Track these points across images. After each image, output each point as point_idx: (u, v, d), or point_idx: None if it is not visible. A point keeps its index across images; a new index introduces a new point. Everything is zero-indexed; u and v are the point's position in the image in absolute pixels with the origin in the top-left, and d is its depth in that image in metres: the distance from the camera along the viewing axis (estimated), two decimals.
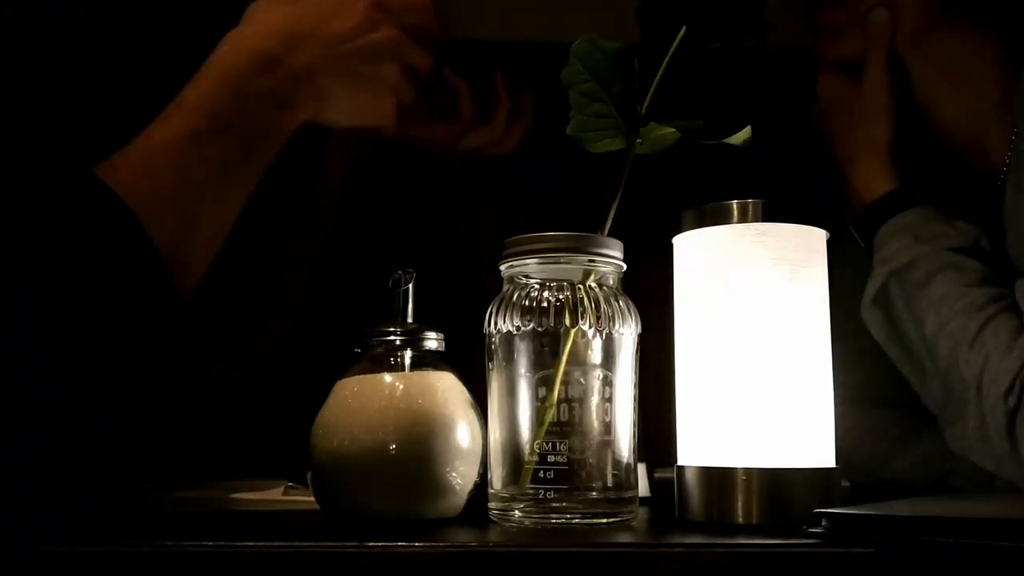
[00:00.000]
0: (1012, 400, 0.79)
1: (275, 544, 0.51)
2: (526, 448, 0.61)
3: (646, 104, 0.64)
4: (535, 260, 0.62)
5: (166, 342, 0.63)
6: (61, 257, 0.59)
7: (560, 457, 0.60)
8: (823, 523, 0.53)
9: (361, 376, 0.65)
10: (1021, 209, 0.89)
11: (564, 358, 0.60)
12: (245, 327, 0.91)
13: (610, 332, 0.61)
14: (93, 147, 0.67)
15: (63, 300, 0.58)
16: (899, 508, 0.55)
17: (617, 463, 0.61)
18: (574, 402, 0.60)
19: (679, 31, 0.63)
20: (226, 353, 0.88)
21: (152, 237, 0.63)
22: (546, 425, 0.60)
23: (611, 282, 0.64)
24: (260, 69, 0.71)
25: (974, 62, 0.95)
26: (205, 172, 0.68)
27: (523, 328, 0.61)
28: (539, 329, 0.61)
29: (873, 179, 0.94)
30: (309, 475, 0.64)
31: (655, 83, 0.63)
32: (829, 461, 0.62)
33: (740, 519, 0.59)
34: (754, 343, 0.61)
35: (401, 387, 0.64)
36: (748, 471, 0.59)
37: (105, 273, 0.61)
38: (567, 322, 0.61)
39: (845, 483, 0.69)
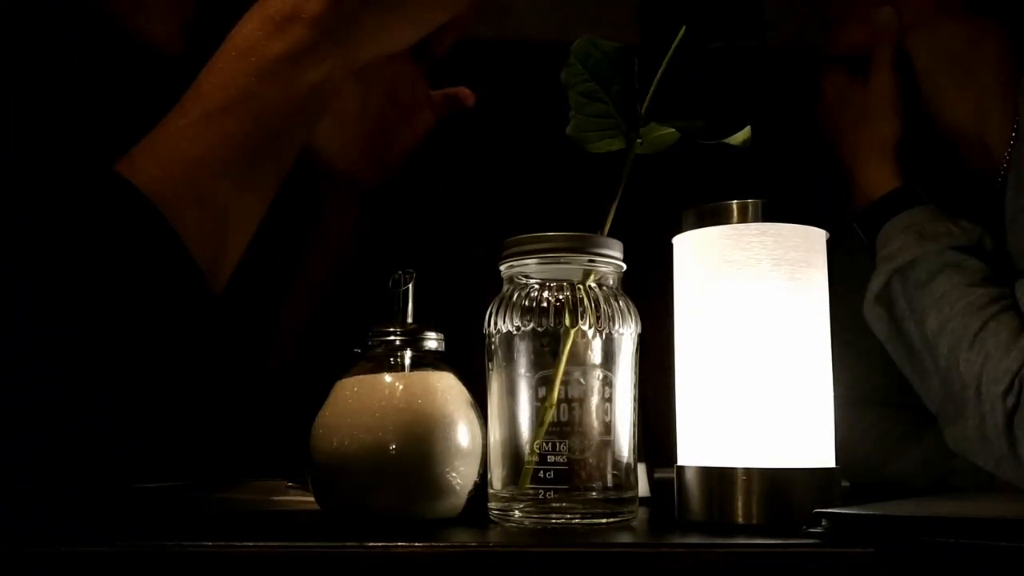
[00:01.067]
0: (1011, 400, 0.79)
1: (275, 544, 0.51)
2: (526, 448, 0.61)
3: (646, 104, 0.64)
4: (535, 260, 0.62)
5: (198, 335, 0.61)
6: (79, 255, 0.58)
7: (560, 457, 0.60)
8: (823, 523, 0.53)
9: (361, 376, 0.65)
10: (1021, 209, 0.89)
11: (564, 358, 0.60)
12: (257, 335, 0.91)
13: (610, 332, 0.61)
14: (112, 142, 0.66)
15: (76, 300, 0.58)
16: (899, 508, 0.56)
17: (617, 463, 0.61)
18: (574, 402, 0.60)
19: (679, 31, 0.63)
20: (236, 358, 0.87)
21: (177, 228, 0.60)
22: (546, 425, 0.60)
23: (611, 282, 0.64)
24: (272, 29, 0.66)
25: (977, 56, 0.94)
26: (225, 152, 0.63)
27: (523, 328, 0.61)
28: (539, 329, 0.61)
29: (877, 176, 0.94)
30: (309, 475, 0.64)
31: (655, 83, 0.63)
32: (829, 461, 0.62)
33: (740, 519, 0.59)
34: (754, 343, 0.61)
35: (401, 387, 0.64)
36: (748, 471, 0.59)
37: (129, 270, 0.58)
38: (567, 322, 0.61)
39: (845, 483, 0.69)
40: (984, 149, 0.96)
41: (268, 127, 0.65)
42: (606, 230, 0.63)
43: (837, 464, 0.62)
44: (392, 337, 0.66)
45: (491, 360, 0.63)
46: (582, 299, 0.61)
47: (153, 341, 0.60)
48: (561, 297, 0.61)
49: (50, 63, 0.80)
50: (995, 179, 0.95)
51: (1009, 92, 0.92)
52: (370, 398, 0.63)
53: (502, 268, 0.64)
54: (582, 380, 0.61)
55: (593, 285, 0.62)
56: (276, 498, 0.74)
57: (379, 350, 0.66)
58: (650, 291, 0.68)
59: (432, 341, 0.67)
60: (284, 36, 0.66)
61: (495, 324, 0.62)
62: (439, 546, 0.51)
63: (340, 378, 0.66)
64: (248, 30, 0.66)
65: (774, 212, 0.62)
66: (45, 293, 0.57)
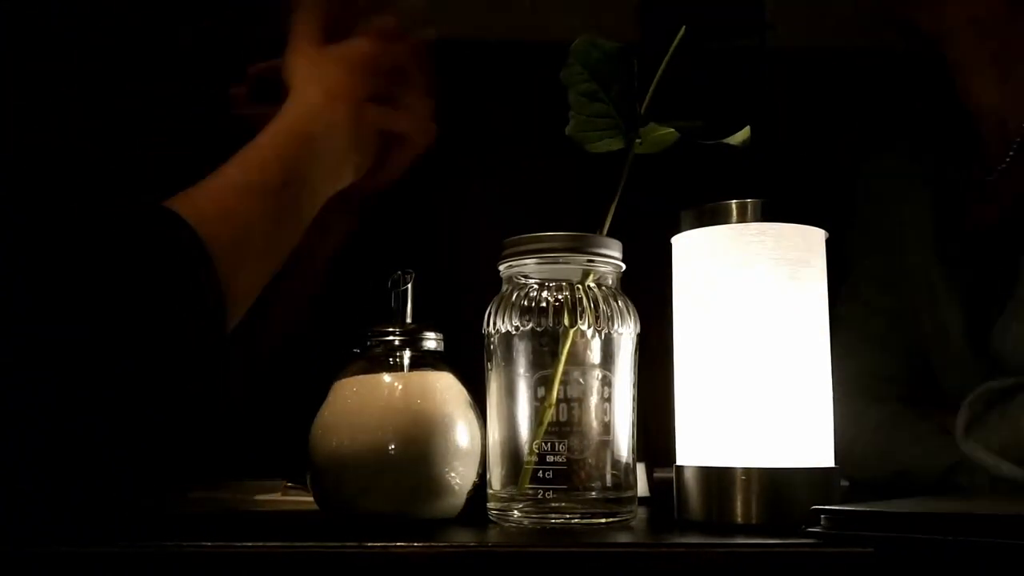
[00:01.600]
0: None
1: (275, 544, 0.51)
2: (525, 448, 0.61)
3: (645, 104, 0.64)
4: (534, 260, 0.62)
5: (204, 368, 0.64)
6: (125, 282, 0.59)
7: (559, 457, 0.60)
8: (822, 520, 0.53)
9: (360, 376, 0.65)
10: None
11: (563, 358, 0.60)
12: (248, 334, 0.91)
13: (609, 332, 0.61)
14: (114, 144, 0.68)
15: (74, 300, 0.58)
16: (898, 505, 0.55)
17: (616, 463, 0.61)
18: (573, 402, 0.60)
19: (679, 31, 0.63)
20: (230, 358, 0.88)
21: (220, 277, 0.64)
22: (545, 425, 0.60)
23: (610, 282, 0.64)
24: (329, 132, 0.75)
25: (1012, 31, 0.95)
26: (267, 222, 0.71)
27: (522, 328, 0.61)
28: (538, 329, 0.61)
29: None
30: (308, 475, 0.64)
31: (655, 83, 0.63)
32: (828, 460, 0.62)
33: (739, 519, 0.59)
34: (753, 343, 0.61)
35: (400, 387, 0.64)
36: (747, 471, 0.59)
37: (170, 299, 0.61)
38: (566, 322, 0.61)
39: (844, 483, 0.69)
40: (1002, 124, 0.97)
41: (302, 207, 0.74)
42: (605, 230, 0.63)
43: (838, 461, 0.62)
44: (391, 337, 0.66)
45: (490, 360, 0.63)
46: (581, 299, 0.61)
47: (160, 352, 0.61)
48: (560, 297, 0.61)
49: (50, 63, 0.80)
50: (1007, 154, 0.96)
51: None
52: (369, 398, 0.63)
53: (501, 268, 0.64)
54: (581, 380, 0.61)
55: (592, 285, 0.62)
56: (276, 498, 0.74)
57: (378, 350, 0.66)
58: (650, 291, 0.68)
59: (431, 341, 0.67)
60: (333, 142, 0.76)
61: (494, 324, 0.63)
62: (438, 546, 0.51)
63: (340, 378, 0.66)
64: (310, 124, 0.75)
65: (774, 212, 0.62)
66: (55, 297, 0.57)
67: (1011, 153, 0.96)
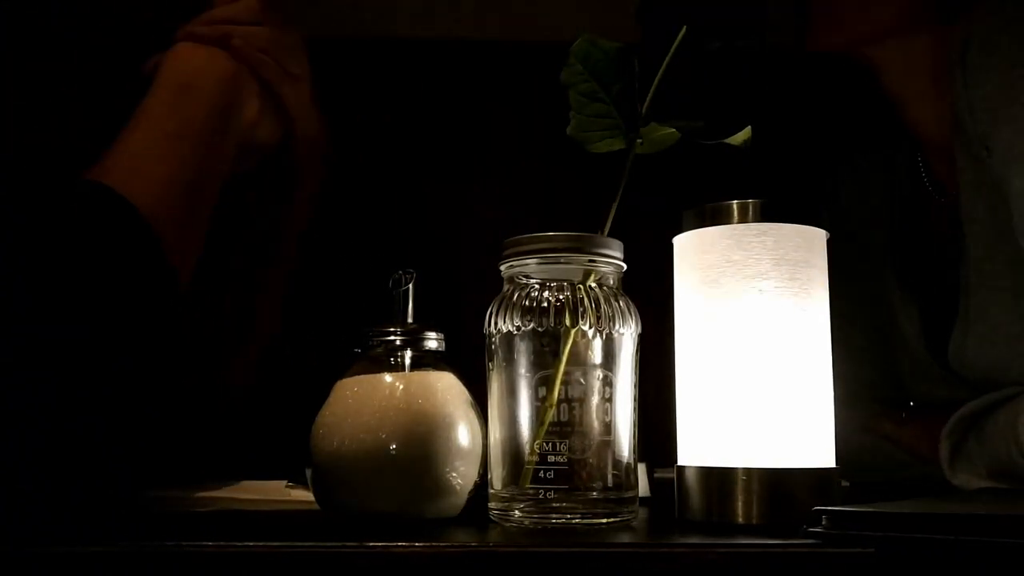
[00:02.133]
0: None
1: (275, 544, 0.51)
2: (526, 448, 0.61)
3: (646, 104, 0.64)
4: (535, 260, 0.62)
5: (168, 329, 0.66)
6: (64, 256, 0.60)
7: (560, 457, 0.60)
8: (823, 521, 0.53)
9: (361, 376, 0.65)
10: (977, 219, 0.91)
11: (564, 358, 0.60)
12: (234, 325, 0.92)
13: (610, 332, 0.61)
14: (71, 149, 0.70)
15: (66, 299, 0.59)
16: (899, 506, 0.55)
17: (617, 463, 0.61)
18: (574, 402, 0.60)
19: (679, 31, 0.63)
20: (220, 352, 0.88)
21: (153, 228, 0.66)
22: (546, 425, 0.60)
23: (611, 282, 0.64)
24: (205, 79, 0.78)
25: (944, 63, 0.96)
26: (184, 166, 0.72)
27: (523, 328, 0.61)
28: (539, 329, 0.61)
29: None
30: (309, 475, 0.64)
31: (655, 83, 0.63)
32: (829, 461, 0.62)
33: (740, 519, 0.59)
34: (754, 343, 0.61)
35: (401, 387, 0.64)
36: (748, 471, 0.59)
37: (113, 268, 0.63)
38: (567, 322, 0.61)
39: (845, 483, 0.69)
40: (949, 155, 0.98)
41: (216, 143, 0.77)
42: (606, 230, 0.63)
43: (838, 464, 0.62)
44: (392, 337, 0.66)
45: (491, 360, 0.63)
46: (582, 299, 0.61)
47: (129, 334, 0.62)
48: (561, 297, 0.61)
49: (50, 63, 0.80)
50: (955, 183, 0.97)
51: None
52: (370, 398, 0.63)
53: (502, 268, 0.64)
54: (582, 380, 0.61)
55: (593, 285, 0.62)
56: (276, 498, 0.74)
57: (379, 350, 0.66)
58: (650, 291, 0.68)
59: (432, 341, 0.66)
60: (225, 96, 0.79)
61: (495, 324, 0.62)
62: (439, 546, 0.51)
63: (340, 378, 0.66)
64: (195, 77, 0.78)
65: (774, 212, 0.62)
66: (20, 292, 0.58)
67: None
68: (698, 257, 0.64)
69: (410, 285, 0.67)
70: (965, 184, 0.93)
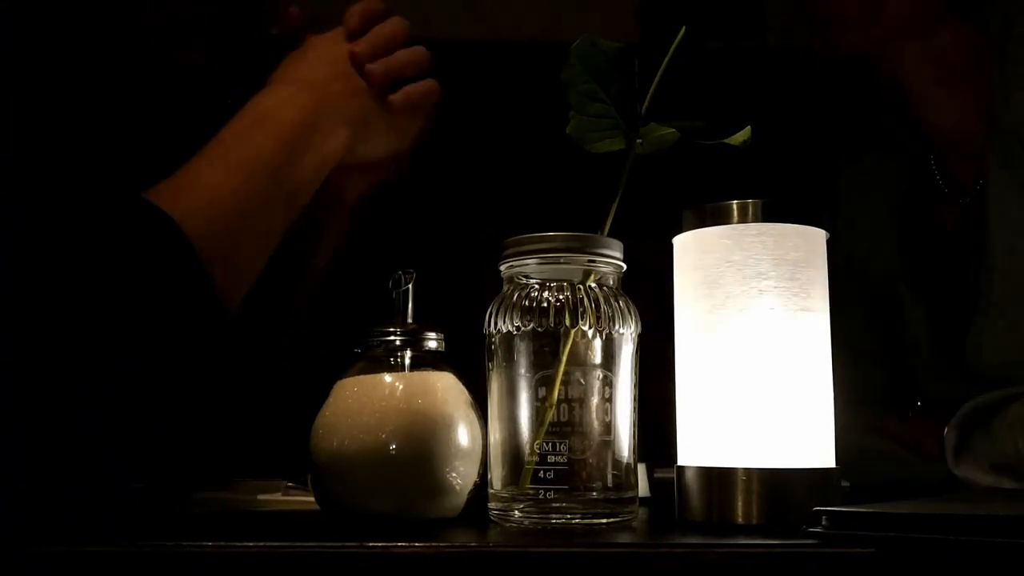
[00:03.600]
0: None
1: (275, 544, 0.51)
2: (526, 448, 0.61)
3: (646, 104, 0.64)
4: (535, 260, 0.62)
5: (209, 354, 0.65)
6: (109, 273, 0.60)
7: (560, 457, 0.60)
8: (823, 521, 0.53)
9: (361, 376, 0.65)
10: (1005, 216, 0.90)
11: (564, 358, 0.60)
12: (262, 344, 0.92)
13: (610, 332, 0.61)
14: (113, 143, 0.69)
15: (90, 301, 0.59)
16: (899, 506, 0.55)
17: (617, 463, 0.61)
18: (574, 402, 0.60)
19: (679, 31, 0.63)
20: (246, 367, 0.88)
21: (206, 265, 0.64)
22: (546, 425, 0.60)
23: (611, 282, 0.64)
24: (303, 126, 0.76)
25: (962, 61, 0.95)
26: (256, 210, 0.71)
27: (523, 328, 0.61)
28: (539, 329, 0.61)
29: None
30: (309, 475, 0.64)
31: (655, 83, 0.63)
32: (829, 461, 0.62)
33: (740, 519, 0.59)
34: (754, 343, 0.61)
35: (401, 387, 0.64)
36: (748, 471, 0.59)
37: (158, 293, 0.62)
38: (567, 322, 0.61)
39: (845, 483, 0.69)
40: (967, 153, 0.98)
41: (282, 188, 0.74)
42: (606, 230, 0.63)
43: (838, 464, 0.62)
44: (392, 337, 0.66)
45: (491, 360, 0.63)
46: (582, 299, 0.61)
47: (158, 347, 0.61)
48: (561, 297, 0.61)
49: (50, 63, 0.80)
50: (976, 181, 0.96)
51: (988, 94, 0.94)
52: (370, 398, 0.63)
53: (502, 268, 0.64)
54: (582, 380, 0.61)
55: (593, 285, 0.62)
56: (277, 498, 0.74)
57: (379, 350, 0.66)
58: (650, 291, 0.68)
59: (432, 341, 0.67)
60: (310, 133, 0.77)
61: (495, 324, 0.62)
62: (439, 546, 0.51)
63: (340, 378, 0.66)
64: (284, 114, 0.76)
65: (774, 212, 0.62)
66: (53, 297, 0.58)
67: (981, 181, 0.97)
68: (698, 257, 0.64)
69: (410, 285, 0.67)
70: (995, 179, 0.92)
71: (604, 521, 0.60)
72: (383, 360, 0.65)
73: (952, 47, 0.96)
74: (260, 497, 0.74)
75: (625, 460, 0.62)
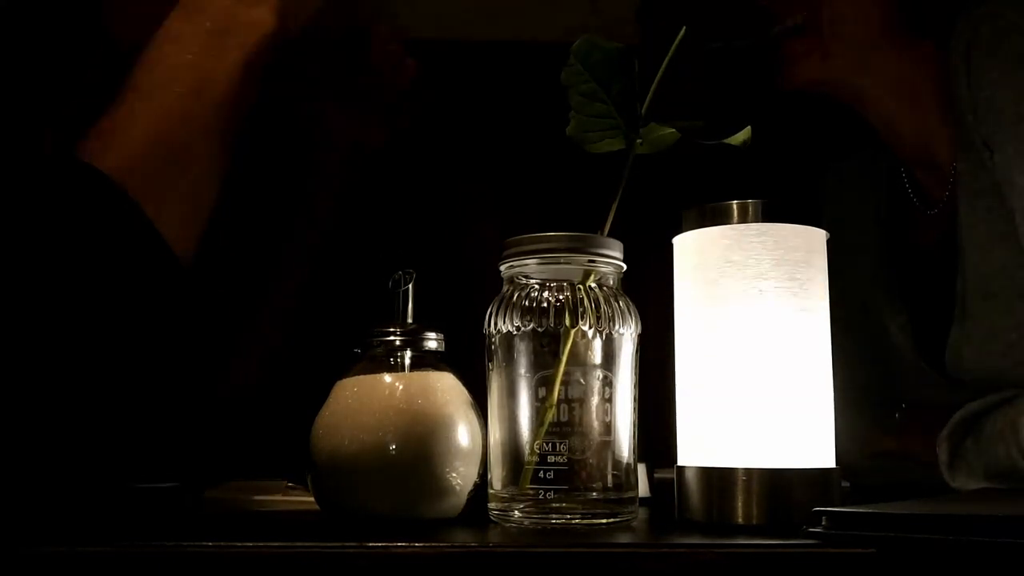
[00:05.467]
0: None
1: (275, 544, 0.51)
2: (526, 448, 0.61)
3: (646, 104, 0.64)
4: (535, 260, 0.62)
5: (174, 313, 0.62)
6: (52, 241, 0.59)
7: (560, 457, 0.60)
8: (823, 521, 0.53)
9: (361, 376, 0.65)
10: (971, 224, 0.92)
11: (564, 358, 0.60)
12: (246, 318, 0.92)
13: (610, 332, 0.61)
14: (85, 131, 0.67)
15: (61, 291, 0.58)
16: (899, 506, 0.55)
17: (617, 463, 0.61)
18: (574, 402, 0.60)
19: (679, 31, 0.63)
20: (227, 348, 0.88)
21: (144, 209, 0.61)
22: (546, 425, 0.60)
23: (611, 282, 0.64)
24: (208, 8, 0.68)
25: (921, 78, 0.96)
26: (180, 134, 0.65)
27: (523, 328, 0.61)
28: (539, 329, 0.61)
29: None
30: (309, 475, 0.64)
31: (655, 83, 0.63)
32: (829, 461, 0.62)
33: (740, 519, 0.59)
34: (754, 343, 0.61)
35: (401, 387, 0.64)
36: (748, 471, 0.59)
37: (104, 250, 0.60)
38: (567, 322, 0.61)
39: (845, 484, 0.69)
40: (932, 166, 0.98)
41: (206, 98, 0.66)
42: (606, 230, 0.63)
43: (838, 464, 0.62)
44: (392, 337, 0.66)
45: (491, 360, 0.63)
46: (582, 299, 0.61)
47: (130, 321, 0.60)
48: (561, 297, 0.61)
49: (24, 56, 0.79)
50: (943, 193, 0.97)
51: (950, 110, 0.94)
52: (370, 398, 0.63)
53: (502, 268, 0.64)
54: (582, 380, 0.61)
55: (593, 285, 0.62)
56: (276, 498, 0.74)
57: (379, 350, 0.66)
58: (650, 291, 0.68)
59: (432, 341, 0.67)
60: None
61: (495, 324, 0.62)
62: (439, 546, 0.51)
63: (340, 378, 0.66)
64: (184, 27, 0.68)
65: (774, 212, 0.62)
66: (15, 287, 0.57)
67: (947, 192, 0.98)
68: (698, 257, 0.64)
69: (410, 285, 0.67)
70: (963, 188, 0.93)
71: (604, 521, 0.60)
72: (383, 360, 0.66)
73: (910, 66, 0.97)
74: (260, 497, 0.74)
75: (625, 460, 0.62)
